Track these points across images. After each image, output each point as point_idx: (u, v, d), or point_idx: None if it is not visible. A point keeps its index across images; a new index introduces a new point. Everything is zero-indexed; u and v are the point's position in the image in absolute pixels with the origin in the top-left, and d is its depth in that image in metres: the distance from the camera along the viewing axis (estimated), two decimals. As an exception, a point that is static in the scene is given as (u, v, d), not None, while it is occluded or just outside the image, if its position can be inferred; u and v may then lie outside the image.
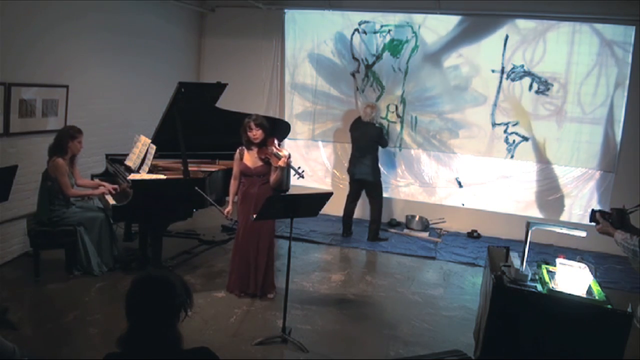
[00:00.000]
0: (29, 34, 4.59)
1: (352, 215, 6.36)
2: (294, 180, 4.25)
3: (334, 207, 6.07)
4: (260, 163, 4.25)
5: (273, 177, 4.25)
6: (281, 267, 4.76)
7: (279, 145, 4.26)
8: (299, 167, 4.05)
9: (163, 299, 1.68)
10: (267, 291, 4.38)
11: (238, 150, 4.32)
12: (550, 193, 6.59)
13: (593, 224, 3.01)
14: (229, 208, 4.42)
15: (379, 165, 6.27)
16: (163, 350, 1.67)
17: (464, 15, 6.60)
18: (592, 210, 3.01)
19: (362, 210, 6.71)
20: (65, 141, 4.44)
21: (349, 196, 6.34)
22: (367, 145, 6.09)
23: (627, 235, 2.75)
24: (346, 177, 6.55)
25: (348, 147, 7.18)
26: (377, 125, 6.29)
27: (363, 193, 6.33)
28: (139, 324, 1.67)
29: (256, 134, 4.19)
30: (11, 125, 4.50)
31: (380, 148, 6.23)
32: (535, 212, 6.58)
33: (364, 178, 6.14)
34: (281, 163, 4.11)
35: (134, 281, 1.72)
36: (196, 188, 4.43)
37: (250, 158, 4.28)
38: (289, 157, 4.14)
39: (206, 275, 4.82)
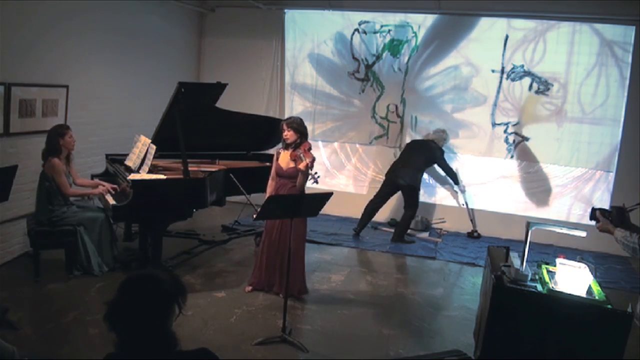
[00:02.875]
0: (29, 34, 4.59)
1: (372, 215, 6.38)
2: (307, 183, 4.26)
3: (334, 207, 6.08)
4: (292, 165, 4.26)
5: (298, 180, 4.23)
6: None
7: (309, 149, 4.26)
8: (315, 173, 4.06)
9: (151, 295, 1.64)
10: (301, 292, 4.39)
11: (276, 151, 4.39)
12: (550, 193, 6.59)
13: (593, 223, 3.02)
14: None
15: (420, 178, 6.30)
16: (158, 349, 1.65)
17: (464, 15, 6.60)
18: (592, 208, 3.02)
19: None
20: (56, 140, 4.43)
21: (375, 196, 6.39)
22: (421, 159, 6.24)
23: (627, 233, 2.75)
24: (346, 178, 6.56)
25: (348, 147, 7.19)
26: (440, 147, 6.36)
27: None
28: (131, 324, 1.64)
29: (287, 134, 4.23)
30: (11, 125, 4.50)
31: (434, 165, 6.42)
32: (535, 212, 6.58)
33: (399, 182, 6.18)
34: (302, 166, 4.10)
35: (121, 284, 1.67)
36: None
37: (284, 159, 4.32)
38: (313, 160, 4.13)
39: (206, 275, 4.82)
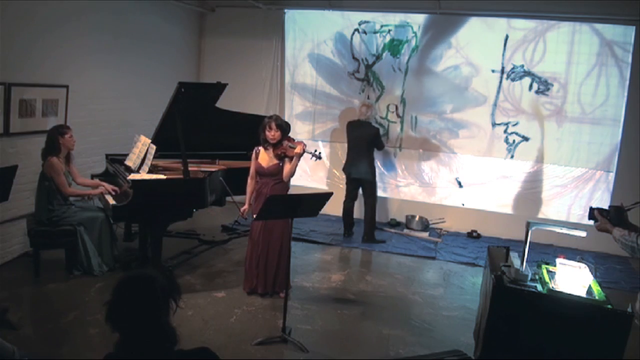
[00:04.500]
0: (29, 34, 4.59)
1: (351, 215, 6.35)
2: (297, 180, 4.30)
3: (334, 207, 6.08)
4: (274, 162, 4.30)
5: (287, 169, 4.28)
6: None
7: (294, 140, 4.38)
8: (316, 150, 4.14)
9: (145, 294, 1.66)
10: (278, 290, 4.38)
11: (254, 150, 4.40)
12: (550, 193, 6.59)
13: (592, 222, 3.02)
14: (245, 207, 4.44)
15: (375, 165, 6.25)
16: (160, 346, 1.66)
17: (464, 15, 6.60)
18: (591, 207, 3.02)
19: (361, 210, 6.71)
20: (56, 139, 4.43)
21: (346, 196, 6.34)
22: (364, 144, 6.07)
23: (626, 232, 2.76)
24: (345, 178, 6.55)
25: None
26: (374, 125, 6.27)
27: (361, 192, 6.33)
28: (130, 323, 1.65)
29: (275, 135, 4.25)
30: (11, 125, 4.50)
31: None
32: (535, 212, 6.58)
33: (360, 177, 6.13)
34: (298, 150, 4.19)
35: (114, 287, 1.69)
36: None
37: (265, 157, 4.34)
38: (305, 146, 4.24)
39: (206, 275, 4.82)
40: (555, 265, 3.10)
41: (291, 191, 4.54)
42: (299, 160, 4.29)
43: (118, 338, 1.67)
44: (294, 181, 4.82)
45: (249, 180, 4.47)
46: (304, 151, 4.20)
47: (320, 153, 4.15)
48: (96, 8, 5.38)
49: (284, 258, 4.34)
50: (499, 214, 6.72)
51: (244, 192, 4.87)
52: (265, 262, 4.35)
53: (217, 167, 5.19)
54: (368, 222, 6.23)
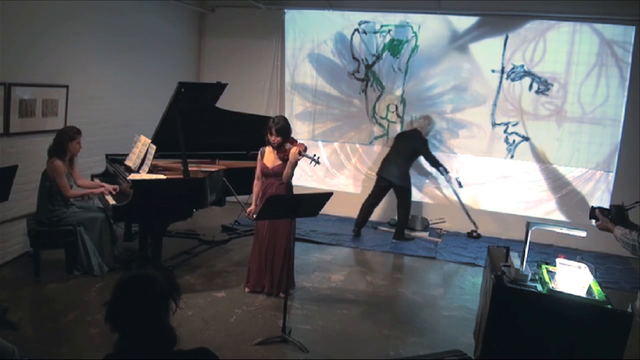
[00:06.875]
0: (29, 34, 4.59)
1: (365, 214, 6.37)
2: (297, 180, 4.28)
3: (334, 207, 6.08)
4: (278, 162, 4.30)
5: (284, 172, 4.26)
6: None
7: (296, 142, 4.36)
8: (314, 154, 4.13)
9: (145, 294, 1.66)
10: (280, 290, 4.37)
11: (260, 150, 4.40)
12: (550, 193, 6.59)
13: (593, 221, 3.03)
14: (252, 207, 4.43)
15: (409, 175, 6.30)
16: (159, 346, 1.66)
17: (464, 15, 6.60)
18: (592, 207, 3.03)
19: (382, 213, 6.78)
20: (65, 143, 4.44)
21: (370, 194, 6.38)
22: (406, 151, 6.22)
23: (627, 231, 2.77)
24: (346, 178, 6.56)
25: (348, 147, 7.20)
26: (424, 136, 6.33)
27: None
28: (130, 323, 1.66)
29: (275, 140, 4.25)
30: (11, 125, 4.49)
31: (422, 157, 6.38)
32: (535, 212, 6.58)
33: (389, 179, 6.21)
34: (291, 157, 4.17)
35: (115, 286, 1.69)
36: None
37: (270, 158, 4.34)
38: (305, 148, 4.23)
39: (206, 275, 4.82)
40: (555, 265, 3.09)
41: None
42: (295, 164, 4.27)
43: (118, 338, 1.67)
44: (294, 181, 4.82)
45: (255, 182, 4.46)
46: (300, 155, 4.17)
47: (318, 157, 4.13)
48: (96, 8, 5.38)
49: (287, 258, 4.35)
50: (499, 214, 6.72)
51: (244, 192, 4.88)
52: (272, 261, 4.35)
53: (217, 167, 5.19)
54: (400, 224, 6.35)
